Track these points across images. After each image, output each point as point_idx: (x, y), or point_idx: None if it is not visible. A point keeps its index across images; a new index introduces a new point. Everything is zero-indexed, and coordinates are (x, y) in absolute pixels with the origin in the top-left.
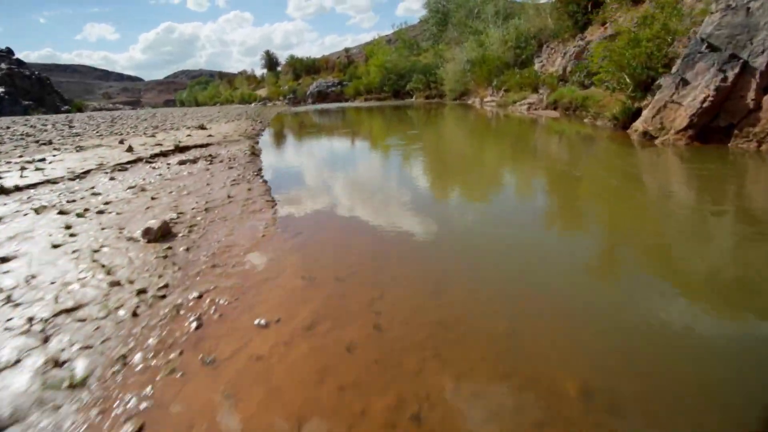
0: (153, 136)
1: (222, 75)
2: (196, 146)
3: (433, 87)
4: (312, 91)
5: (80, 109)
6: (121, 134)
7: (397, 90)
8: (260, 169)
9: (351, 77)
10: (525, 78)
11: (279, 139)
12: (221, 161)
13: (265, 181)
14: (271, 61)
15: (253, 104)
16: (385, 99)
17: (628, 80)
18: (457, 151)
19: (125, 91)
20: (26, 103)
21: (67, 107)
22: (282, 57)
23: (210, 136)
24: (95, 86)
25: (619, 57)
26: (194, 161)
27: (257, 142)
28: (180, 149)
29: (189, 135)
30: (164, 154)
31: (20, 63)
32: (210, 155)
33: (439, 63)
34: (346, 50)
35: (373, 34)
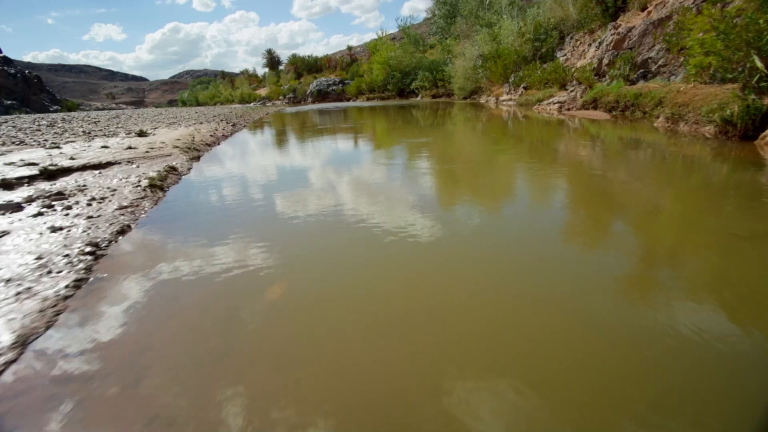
0: (58, 146)
1: (225, 74)
2: (89, 166)
3: (441, 85)
4: (312, 90)
5: (71, 109)
6: (29, 142)
7: (402, 88)
8: (121, 230)
9: (353, 75)
10: (550, 73)
11: (238, 152)
12: (69, 208)
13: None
14: (272, 60)
15: (252, 104)
16: (388, 98)
17: (758, 63)
18: (502, 180)
19: (130, 91)
20: (8, 102)
21: (56, 107)
22: (286, 56)
23: (149, 145)
24: (100, 86)
25: (744, 29)
26: (17, 208)
27: (199, 158)
28: (50, 174)
29: (109, 145)
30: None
31: (7, 61)
32: (67, 193)
33: (448, 59)
34: (349, 48)
35: (379, 33)
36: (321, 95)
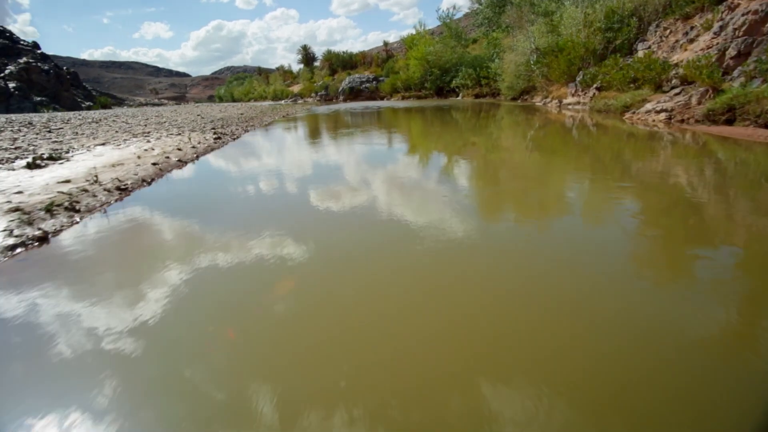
0: None
1: (261, 71)
2: None
3: (485, 83)
4: (344, 88)
5: (105, 106)
6: None
7: (440, 87)
8: None
9: (388, 72)
10: (641, 70)
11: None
12: None
13: None
14: (307, 56)
15: (283, 101)
16: (425, 97)
17: None
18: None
19: (172, 87)
20: (38, 99)
21: (89, 103)
22: (322, 53)
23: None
24: (145, 82)
25: None
26: None
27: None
28: None
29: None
30: None
31: (44, 57)
32: None
33: (494, 54)
34: (385, 44)
35: (417, 27)
36: (353, 93)
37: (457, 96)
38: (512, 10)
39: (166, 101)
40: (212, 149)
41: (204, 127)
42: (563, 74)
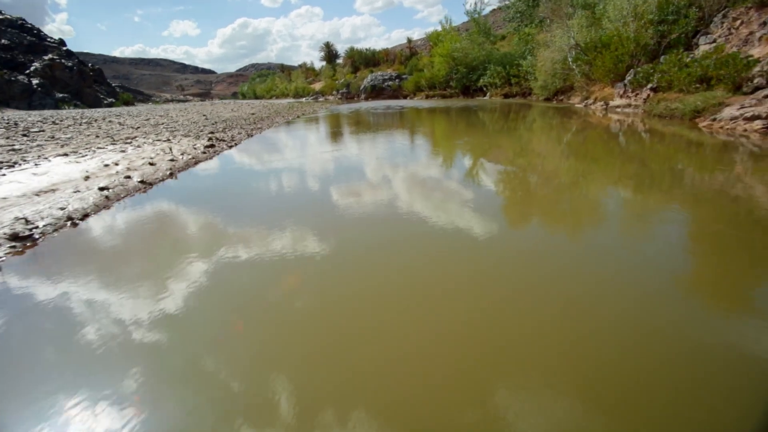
0: None
1: (284, 68)
2: None
3: (515, 82)
4: (365, 86)
5: (127, 103)
6: None
7: (467, 85)
8: None
9: (412, 70)
10: (713, 68)
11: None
12: None
13: None
14: (330, 53)
15: (304, 98)
16: (451, 96)
17: None
18: None
19: (198, 84)
20: (60, 95)
21: (111, 100)
22: (345, 50)
23: None
24: (172, 78)
25: None
26: None
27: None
28: None
29: None
30: None
31: (69, 54)
32: None
33: (526, 50)
34: (409, 41)
35: (443, 22)
36: (375, 91)
37: (484, 95)
38: (548, 2)
39: (191, 98)
40: (197, 161)
41: (202, 130)
42: (609, 73)
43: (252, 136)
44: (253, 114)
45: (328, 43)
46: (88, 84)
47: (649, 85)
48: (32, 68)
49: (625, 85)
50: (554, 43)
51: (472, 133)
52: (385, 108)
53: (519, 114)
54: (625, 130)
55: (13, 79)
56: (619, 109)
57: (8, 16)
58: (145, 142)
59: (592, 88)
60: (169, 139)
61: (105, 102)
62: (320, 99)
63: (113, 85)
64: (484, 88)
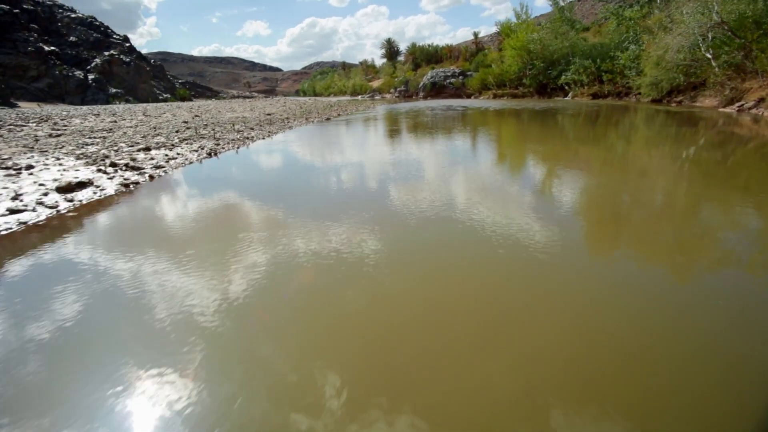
0: None
1: (345, 65)
2: None
3: (607, 80)
4: (425, 83)
5: (183, 98)
6: None
7: (543, 83)
8: None
9: (477, 66)
10: None
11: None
12: None
13: None
14: (391, 50)
15: (360, 96)
16: (523, 96)
17: None
18: None
19: (264, 81)
20: (113, 91)
21: (167, 96)
22: (407, 47)
23: None
24: (241, 76)
25: None
26: None
27: None
28: None
29: None
30: None
31: (131, 50)
32: None
33: (626, 39)
34: (475, 35)
35: (517, 10)
36: (435, 89)
37: (565, 96)
38: None
39: (257, 94)
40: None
41: (132, 146)
42: None
43: (264, 138)
44: (269, 115)
45: (389, 39)
46: (143, 80)
47: None
48: (93, 64)
49: None
50: (679, 24)
51: (584, 162)
52: (445, 109)
53: (673, 135)
54: None
55: (70, 74)
56: None
57: (80, 15)
58: (121, 158)
59: (742, 85)
60: (161, 146)
61: (160, 97)
62: (377, 97)
63: (181, 81)
64: (566, 87)
